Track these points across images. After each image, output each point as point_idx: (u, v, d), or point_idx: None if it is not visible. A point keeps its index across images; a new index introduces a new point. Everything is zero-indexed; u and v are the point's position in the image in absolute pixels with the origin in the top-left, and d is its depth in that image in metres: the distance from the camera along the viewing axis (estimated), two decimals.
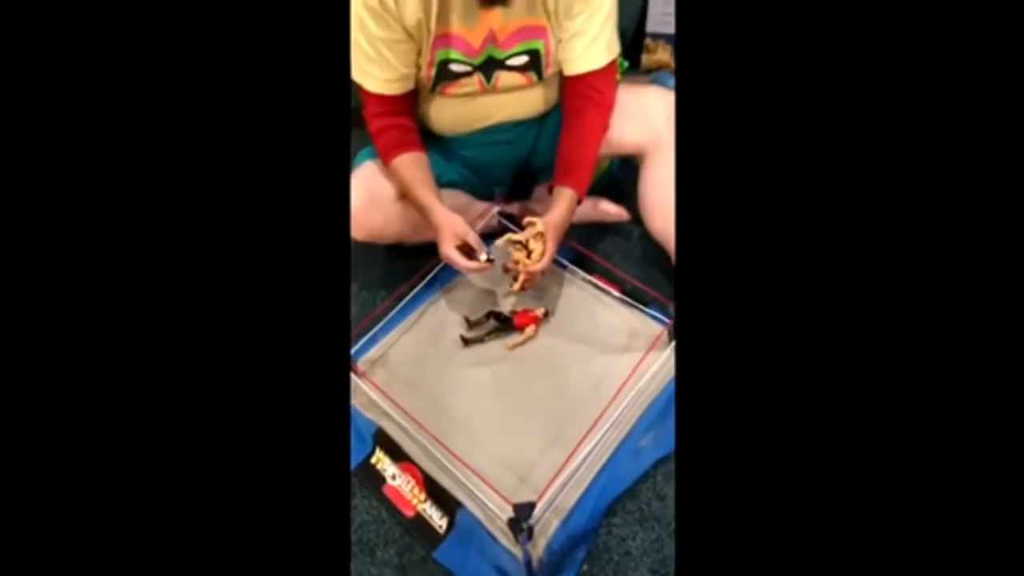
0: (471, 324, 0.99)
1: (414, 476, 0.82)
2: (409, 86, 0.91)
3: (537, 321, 0.97)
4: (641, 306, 0.98)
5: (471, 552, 0.76)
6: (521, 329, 0.97)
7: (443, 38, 0.86)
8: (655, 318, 0.97)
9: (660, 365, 0.88)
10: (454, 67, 0.89)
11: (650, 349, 0.89)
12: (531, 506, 0.69)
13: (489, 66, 0.90)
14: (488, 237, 0.95)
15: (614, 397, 0.84)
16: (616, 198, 1.12)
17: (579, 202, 0.93)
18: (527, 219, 0.91)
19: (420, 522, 0.79)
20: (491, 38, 0.87)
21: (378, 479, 0.83)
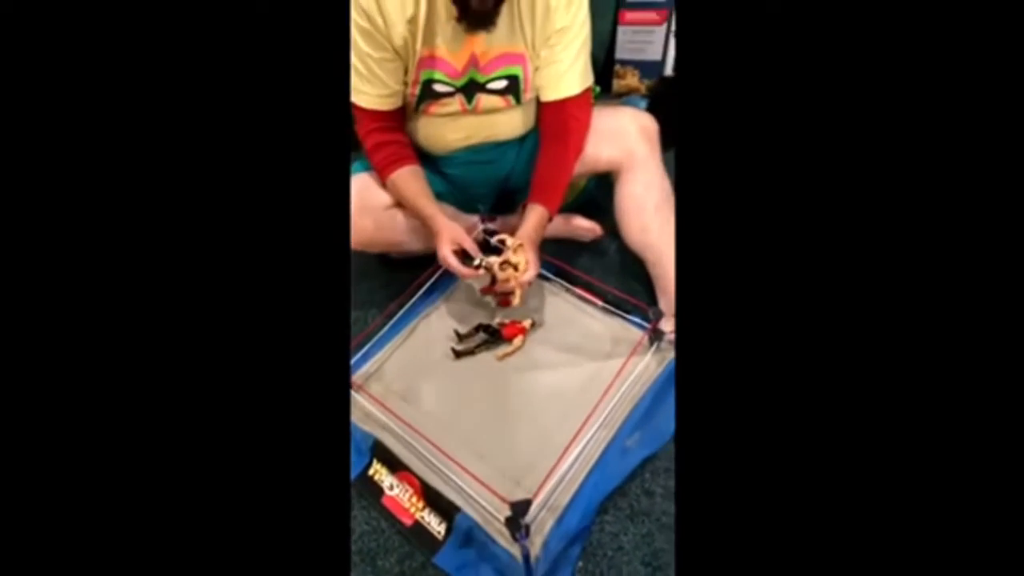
0: (461, 337, 1.02)
1: (412, 485, 0.84)
2: (400, 102, 0.96)
3: (525, 332, 1.01)
4: (623, 314, 1.03)
5: (470, 555, 0.78)
6: (509, 340, 1.01)
7: (428, 59, 0.91)
8: (636, 324, 1.02)
9: (642, 368, 0.92)
10: (437, 87, 0.94)
11: (632, 353, 0.93)
12: (527, 503, 0.72)
13: (471, 88, 0.96)
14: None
15: (600, 399, 0.88)
16: (592, 214, 1.18)
17: (550, 219, 0.99)
18: (498, 238, 0.97)
19: (419, 530, 0.81)
20: (473, 62, 0.93)
21: (376, 490, 0.85)
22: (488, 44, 0.91)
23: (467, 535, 0.79)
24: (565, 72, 0.95)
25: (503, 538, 0.77)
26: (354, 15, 0.85)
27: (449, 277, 1.07)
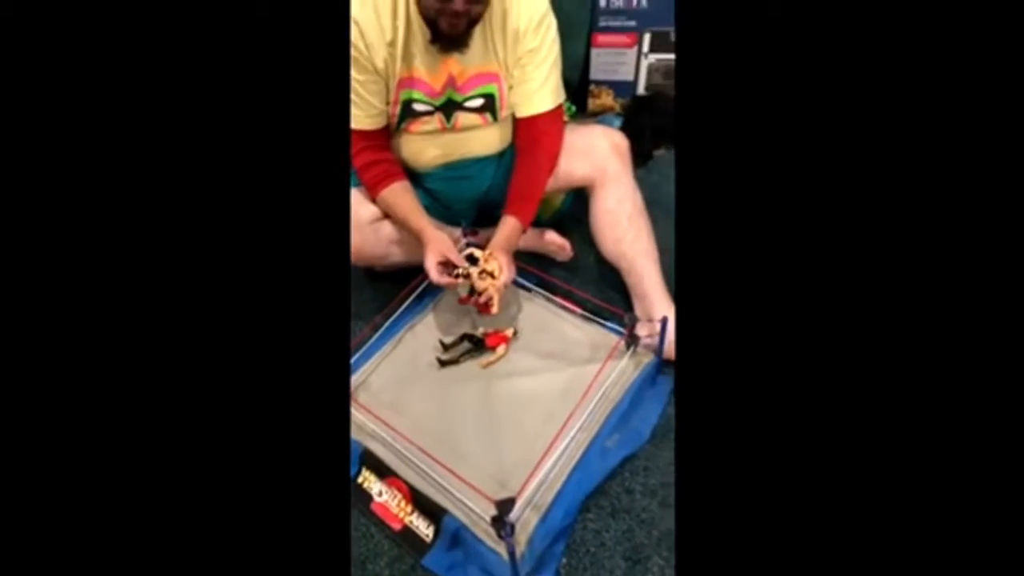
0: (446, 347, 1.05)
1: (400, 490, 0.87)
2: (386, 120, 1.01)
3: (507, 340, 1.05)
4: (601, 321, 1.07)
5: (458, 556, 0.80)
6: (493, 348, 1.04)
7: (408, 80, 0.97)
8: (613, 330, 1.06)
9: (620, 372, 0.96)
10: (417, 106, 0.99)
11: (609, 357, 0.97)
12: (512, 502, 0.74)
13: (449, 107, 1.01)
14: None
15: (580, 402, 0.91)
16: (568, 227, 1.23)
17: (523, 231, 1.04)
18: (468, 251, 1.01)
19: (408, 533, 0.83)
20: (450, 82, 0.98)
21: (366, 498, 0.87)
22: (463, 64, 0.97)
23: (455, 537, 0.81)
24: (537, 90, 1.01)
25: (489, 538, 0.80)
26: None
27: (434, 289, 1.10)
